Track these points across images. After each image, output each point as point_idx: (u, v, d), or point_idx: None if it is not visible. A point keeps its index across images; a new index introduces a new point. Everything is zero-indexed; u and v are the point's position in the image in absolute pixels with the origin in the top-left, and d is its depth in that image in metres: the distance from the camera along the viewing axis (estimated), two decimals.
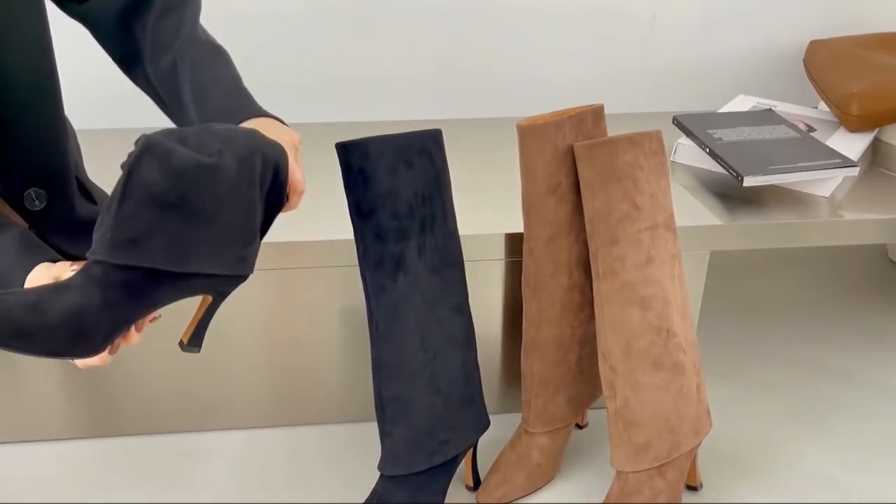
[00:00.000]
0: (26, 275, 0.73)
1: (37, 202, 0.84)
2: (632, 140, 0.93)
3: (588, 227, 0.94)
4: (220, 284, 0.74)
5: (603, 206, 0.93)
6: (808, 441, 1.13)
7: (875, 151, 1.30)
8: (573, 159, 0.96)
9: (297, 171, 0.79)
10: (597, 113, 0.99)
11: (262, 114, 0.84)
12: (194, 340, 0.77)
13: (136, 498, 1.04)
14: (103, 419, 1.12)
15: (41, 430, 1.12)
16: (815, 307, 1.43)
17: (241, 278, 0.76)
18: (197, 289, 0.73)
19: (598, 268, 0.94)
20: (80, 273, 0.68)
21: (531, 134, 0.93)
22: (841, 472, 1.08)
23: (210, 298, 0.75)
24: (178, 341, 0.77)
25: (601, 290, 0.94)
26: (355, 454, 1.10)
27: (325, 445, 1.12)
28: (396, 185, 0.90)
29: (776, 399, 1.21)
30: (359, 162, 0.89)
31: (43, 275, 0.72)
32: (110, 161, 1.22)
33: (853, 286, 1.49)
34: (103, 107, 1.35)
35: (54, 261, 0.74)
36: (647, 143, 0.95)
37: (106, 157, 1.23)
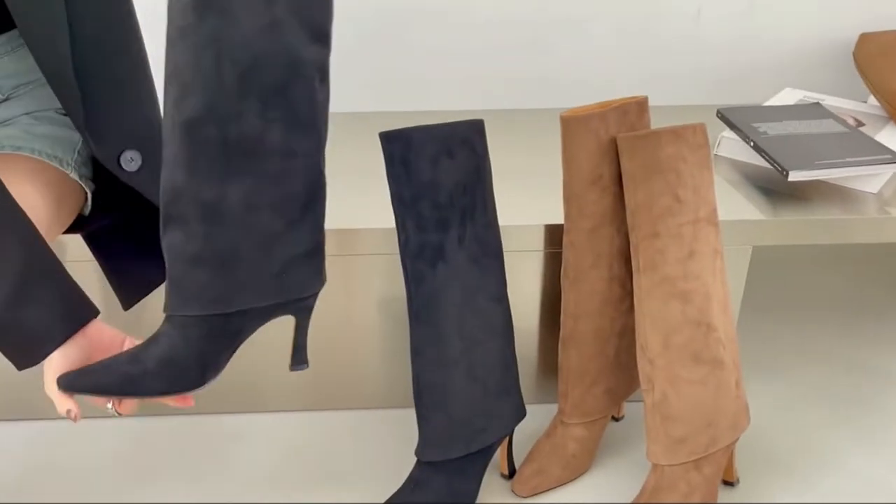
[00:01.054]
0: (69, 331, 0.77)
1: (133, 163, 0.88)
2: (675, 133, 0.93)
3: (629, 220, 0.94)
4: (288, 308, 0.80)
5: (645, 199, 0.92)
6: (848, 440, 1.12)
7: None
8: (616, 151, 0.95)
9: None
10: (641, 105, 0.98)
11: None
12: (296, 359, 0.84)
13: (176, 477, 1.06)
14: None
15: (85, 408, 1.15)
16: (860, 305, 1.40)
17: (303, 298, 0.80)
18: (266, 314, 0.79)
19: (638, 261, 0.94)
20: (164, 324, 0.78)
21: (575, 125, 0.93)
22: (882, 472, 1.06)
23: (294, 318, 0.81)
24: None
25: (641, 283, 0.94)
26: (393, 439, 1.12)
27: (364, 430, 1.14)
28: (438, 175, 0.91)
29: (817, 397, 1.20)
30: (401, 152, 0.90)
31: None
32: None
33: None
34: None
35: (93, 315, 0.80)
36: (691, 136, 0.94)
37: None
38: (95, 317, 0.80)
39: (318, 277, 0.81)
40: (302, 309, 0.81)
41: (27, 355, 0.77)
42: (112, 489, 1.04)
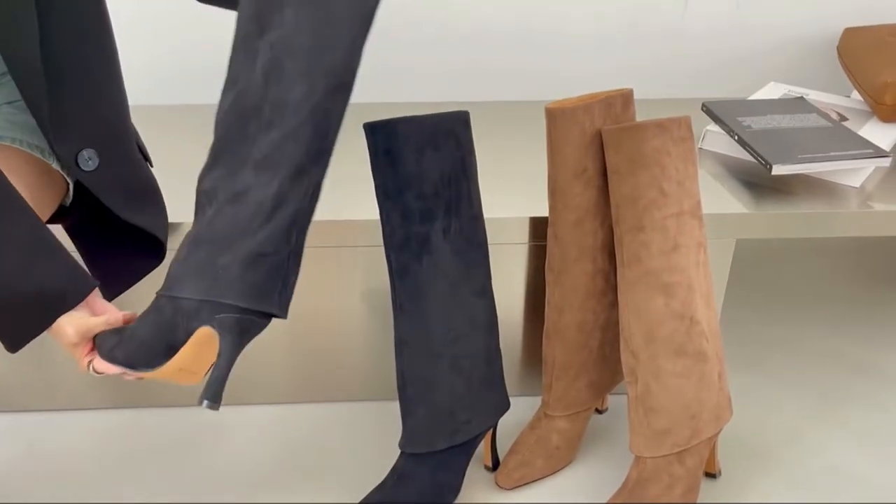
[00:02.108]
0: (80, 296, 0.77)
1: (90, 162, 0.87)
2: (660, 125, 0.93)
3: (614, 213, 0.94)
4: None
5: (629, 192, 0.92)
6: (830, 434, 1.12)
7: None
8: (601, 144, 0.95)
9: None
10: (626, 97, 0.98)
11: None
12: (207, 394, 0.74)
13: (162, 468, 1.06)
14: (133, 390, 1.15)
15: (73, 399, 1.14)
16: (844, 299, 1.41)
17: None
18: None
19: (622, 254, 0.94)
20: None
21: (560, 117, 0.92)
22: (862, 466, 1.07)
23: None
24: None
25: (625, 276, 0.94)
26: (377, 432, 1.12)
27: (348, 422, 1.14)
28: (423, 167, 0.91)
29: (799, 390, 1.21)
30: (386, 143, 0.90)
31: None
32: (161, 135, 1.24)
33: (884, 279, 1.47)
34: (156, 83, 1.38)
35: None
36: (676, 129, 0.94)
37: (155, 132, 1.25)
38: (96, 287, 0.79)
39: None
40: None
41: (36, 323, 0.76)
42: (94, 482, 1.04)
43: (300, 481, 1.04)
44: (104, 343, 0.76)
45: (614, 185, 0.93)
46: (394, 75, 1.45)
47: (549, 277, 1.00)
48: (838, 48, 1.40)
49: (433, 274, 0.93)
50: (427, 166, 0.91)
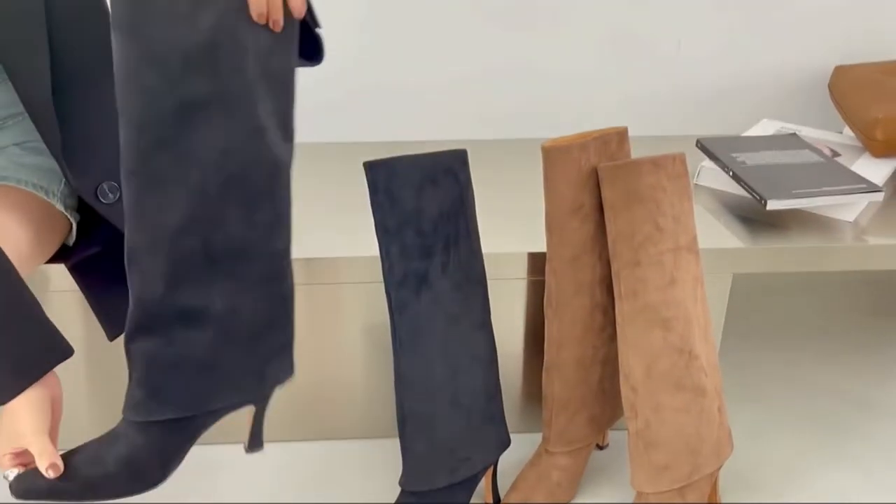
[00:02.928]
0: (42, 370, 0.75)
1: (110, 195, 0.88)
2: (655, 162, 0.94)
3: (611, 248, 0.95)
4: (253, 401, 0.80)
5: (625, 228, 0.94)
6: (830, 468, 1.12)
7: None
8: (597, 180, 0.97)
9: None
10: (621, 135, 1.00)
11: None
12: (253, 443, 0.84)
13: None
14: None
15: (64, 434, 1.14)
16: (843, 333, 1.42)
17: (265, 395, 0.80)
18: (232, 408, 0.79)
19: (620, 288, 0.95)
20: (122, 423, 0.75)
21: (556, 155, 0.94)
22: (863, 497, 1.07)
23: (254, 407, 0.82)
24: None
25: (623, 310, 0.95)
26: (379, 469, 1.11)
27: (349, 460, 1.13)
28: (421, 204, 0.92)
29: (799, 425, 1.21)
30: (385, 181, 0.91)
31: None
32: None
33: (883, 313, 1.48)
34: None
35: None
36: (671, 166, 0.96)
37: None
38: (70, 356, 0.78)
39: (291, 367, 0.83)
40: (266, 398, 0.82)
41: (9, 385, 0.75)
42: None
43: None
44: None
45: (610, 220, 0.94)
46: (392, 115, 1.48)
47: (547, 312, 1.00)
48: (829, 85, 1.43)
49: (432, 309, 0.94)
50: (426, 204, 0.92)
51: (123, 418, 0.76)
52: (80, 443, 0.77)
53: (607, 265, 1.00)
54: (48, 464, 0.72)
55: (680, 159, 0.97)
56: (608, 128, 1.00)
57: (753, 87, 1.50)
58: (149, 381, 0.74)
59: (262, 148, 0.72)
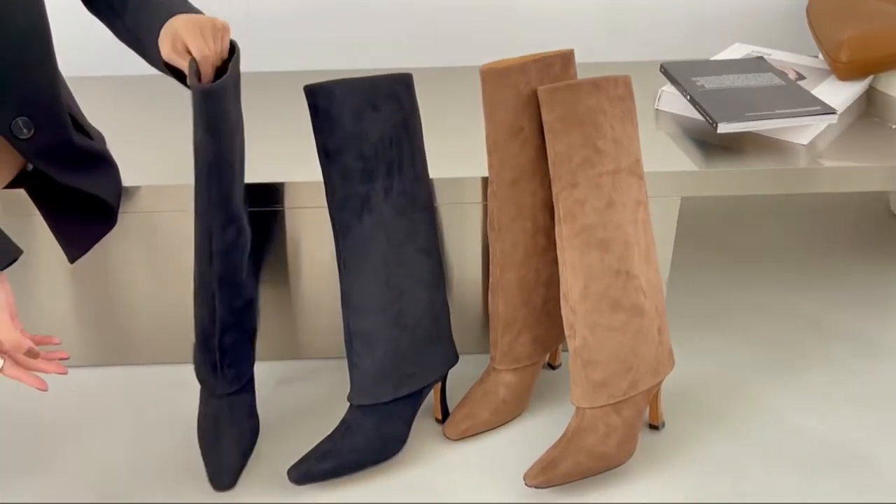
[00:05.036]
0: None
1: (24, 130, 0.90)
2: (595, 84, 0.94)
3: (551, 171, 0.96)
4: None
5: (564, 150, 0.95)
6: (779, 389, 1.14)
7: (870, 101, 1.28)
8: (538, 104, 0.97)
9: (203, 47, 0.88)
10: (565, 58, 1.00)
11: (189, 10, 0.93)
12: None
13: (135, 422, 1.11)
14: (112, 348, 1.20)
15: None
16: (808, 260, 1.42)
17: None
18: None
19: (559, 211, 0.96)
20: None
21: (493, 77, 0.94)
22: (809, 421, 1.09)
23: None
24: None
25: (562, 232, 0.96)
26: (339, 387, 1.16)
27: (307, 378, 1.18)
28: (362, 128, 0.94)
29: (753, 347, 1.22)
30: (325, 104, 0.93)
31: None
32: (100, 106, 1.28)
33: (851, 240, 1.47)
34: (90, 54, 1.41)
35: None
36: (612, 89, 0.96)
37: (94, 103, 1.29)
38: (19, 256, 0.83)
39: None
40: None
41: None
42: (56, 438, 1.09)
43: (262, 430, 1.09)
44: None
45: (549, 143, 0.95)
46: (344, 45, 1.48)
47: (490, 235, 1.02)
48: (806, 9, 1.40)
49: (374, 232, 0.96)
50: (366, 127, 0.94)
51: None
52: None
53: (549, 190, 1.01)
54: (26, 350, 0.80)
55: (623, 81, 0.97)
56: (552, 51, 1.00)
57: (731, 11, 1.48)
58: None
59: None
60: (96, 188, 0.98)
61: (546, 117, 0.95)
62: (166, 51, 0.89)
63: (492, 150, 0.98)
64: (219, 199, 0.92)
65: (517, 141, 0.97)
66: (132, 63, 1.26)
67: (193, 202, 0.99)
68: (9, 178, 0.99)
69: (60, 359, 0.86)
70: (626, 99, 0.98)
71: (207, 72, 0.89)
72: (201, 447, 1.02)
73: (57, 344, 0.86)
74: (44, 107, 0.91)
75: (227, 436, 1.01)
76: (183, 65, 0.89)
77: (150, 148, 1.17)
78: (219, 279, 0.96)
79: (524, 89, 0.96)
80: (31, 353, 0.81)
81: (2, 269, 0.81)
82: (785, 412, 1.10)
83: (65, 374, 0.84)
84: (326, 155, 0.95)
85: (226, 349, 1.00)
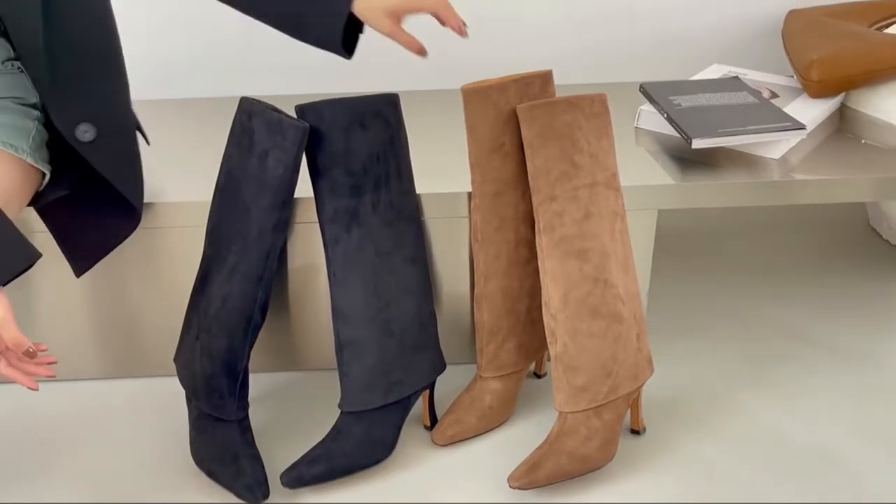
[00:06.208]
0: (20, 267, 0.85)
1: (87, 134, 0.96)
2: (570, 102, 1.00)
3: (531, 184, 1.01)
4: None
5: (542, 164, 0.99)
6: (757, 394, 1.18)
7: (843, 118, 1.33)
8: (518, 121, 1.02)
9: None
10: (544, 78, 1.05)
11: None
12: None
13: (148, 433, 1.14)
14: (126, 361, 1.24)
15: (69, 371, 1.23)
16: (787, 271, 1.46)
17: None
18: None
19: (539, 222, 1.01)
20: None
21: (474, 96, 1.00)
22: (786, 426, 1.12)
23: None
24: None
25: (542, 243, 1.01)
26: (331, 396, 1.19)
27: (302, 388, 1.21)
28: (350, 145, 0.99)
29: (729, 355, 1.26)
30: (314, 123, 0.98)
31: None
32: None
33: (830, 252, 1.52)
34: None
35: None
36: (588, 106, 1.01)
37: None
38: (38, 258, 0.87)
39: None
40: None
41: None
42: (61, 451, 1.13)
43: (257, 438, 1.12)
44: None
45: (529, 158, 1.00)
46: (337, 69, 1.53)
47: (474, 246, 1.07)
48: (782, 30, 1.45)
49: (362, 244, 1.01)
50: (354, 145, 0.99)
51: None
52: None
53: (530, 203, 1.06)
54: (25, 350, 0.84)
55: (599, 99, 1.02)
56: (531, 71, 1.06)
57: (709, 33, 1.53)
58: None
59: None
60: (131, 193, 1.03)
61: (525, 133, 1.00)
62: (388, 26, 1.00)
63: (474, 165, 1.03)
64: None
65: (498, 156, 1.02)
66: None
67: (247, 226, 1.01)
68: (23, 204, 1.03)
69: (49, 363, 0.88)
70: (602, 115, 1.03)
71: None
72: (212, 470, 1.03)
73: (44, 350, 0.89)
74: (109, 112, 0.97)
75: (246, 457, 1.03)
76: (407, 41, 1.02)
77: (165, 164, 1.22)
78: (262, 306, 1.02)
79: (504, 107, 1.01)
80: (28, 354, 0.85)
81: (25, 272, 0.85)
82: (763, 417, 1.14)
83: (53, 376, 0.87)
84: (316, 171, 1.00)
85: (245, 372, 1.05)
